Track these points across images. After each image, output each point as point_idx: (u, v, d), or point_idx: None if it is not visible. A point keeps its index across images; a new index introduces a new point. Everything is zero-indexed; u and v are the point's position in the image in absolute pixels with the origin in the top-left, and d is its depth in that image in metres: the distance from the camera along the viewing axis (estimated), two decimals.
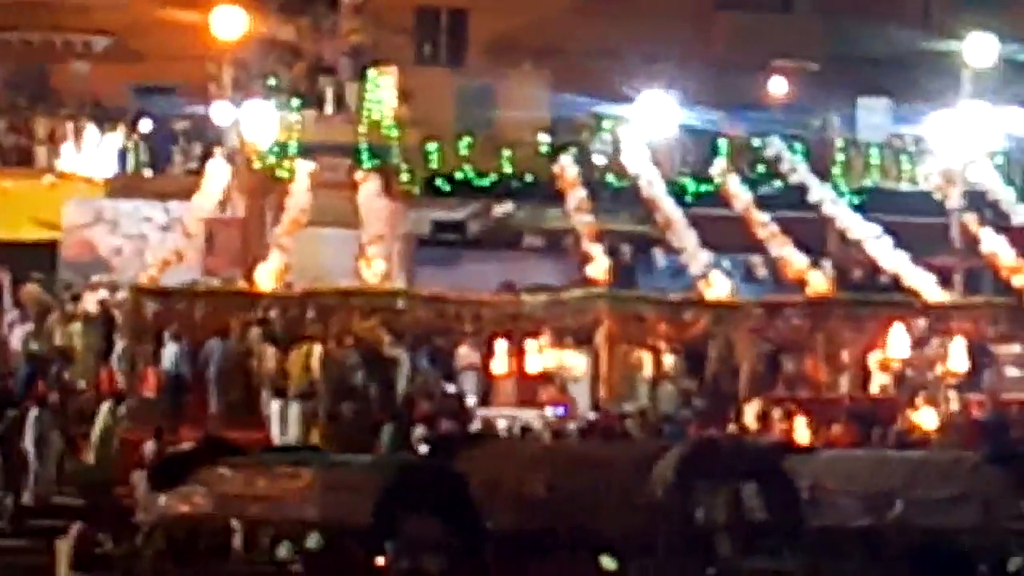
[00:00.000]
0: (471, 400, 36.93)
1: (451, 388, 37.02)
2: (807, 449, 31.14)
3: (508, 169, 46.37)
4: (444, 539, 24.79)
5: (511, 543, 25.13)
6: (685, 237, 41.34)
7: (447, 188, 46.15)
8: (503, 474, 26.25)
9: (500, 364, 37.86)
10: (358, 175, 43.98)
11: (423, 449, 32.05)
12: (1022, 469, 28.83)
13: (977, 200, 42.89)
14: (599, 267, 40.10)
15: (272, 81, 47.15)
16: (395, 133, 45.88)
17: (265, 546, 25.00)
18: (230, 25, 46.23)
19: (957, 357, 37.84)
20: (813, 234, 42.34)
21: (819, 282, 39.63)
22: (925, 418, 34.76)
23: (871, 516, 26.49)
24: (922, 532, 26.56)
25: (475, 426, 34.17)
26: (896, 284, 39.88)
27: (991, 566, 26.68)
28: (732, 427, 34.48)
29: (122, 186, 44.92)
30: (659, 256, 43.34)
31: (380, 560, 23.39)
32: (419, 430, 33.30)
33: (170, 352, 35.72)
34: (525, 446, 31.47)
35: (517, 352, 37.91)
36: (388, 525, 24.00)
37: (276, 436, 32.95)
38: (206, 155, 44.21)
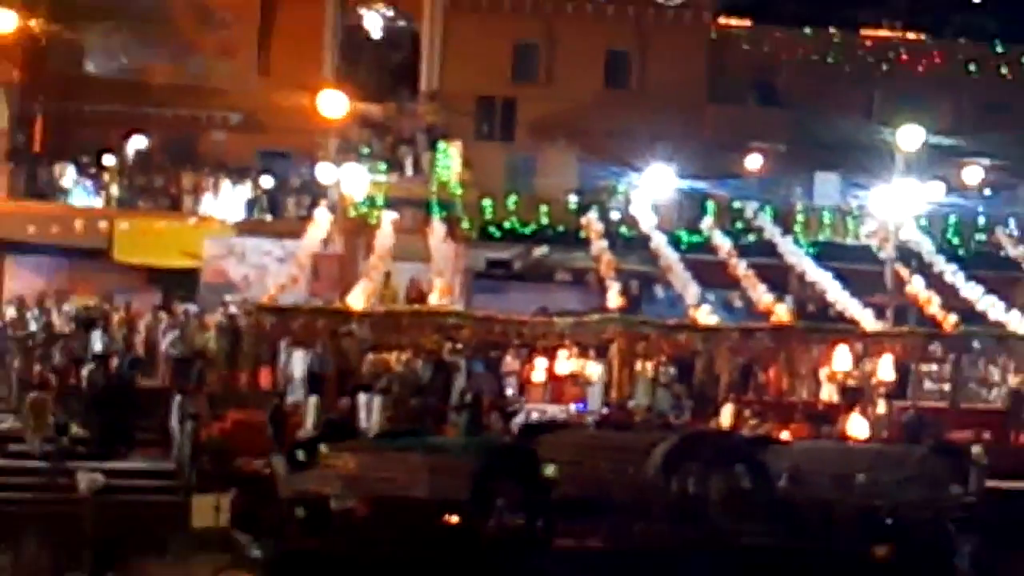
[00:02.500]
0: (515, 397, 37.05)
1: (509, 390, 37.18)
2: (785, 442, 31.23)
3: (544, 221, 46.52)
4: (523, 503, 25.02)
5: (568, 503, 25.43)
6: (680, 276, 41.27)
7: (497, 234, 46.31)
8: (567, 452, 26.61)
9: (537, 371, 37.93)
10: (429, 223, 44.11)
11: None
12: (958, 459, 29.33)
13: (906, 253, 42.77)
14: (613, 297, 40.20)
15: (365, 150, 47.48)
16: (458, 191, 46.02)
17: (379, 517, 25.17)
18: (334, 106, 46.42)
19: (886, 372, 37.81)
20: (778, 276, 42.20)
21: (782, 313, 39.50)
22: (855, 423, 34.76)
23: (838, 492, 26.70)
24: (879, 506, 26.76)
25: (520, 419, 34.19)
26: (841, 316, 39.78)
27: (932, 532, 26.86)
28: (713, 423, 34.55)
29: (248, 227, 45.01)
30: (659, 290, 43.32)
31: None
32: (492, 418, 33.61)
33: (297, 356, 35.72)
34: (575, 431, 31.62)
35: (549, 361, 38.02)
36: (483, 499, 24.27)
37: (362, 420, 32.85)
38: (313, 205, 44.16)
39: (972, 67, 54.75)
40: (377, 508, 25.04)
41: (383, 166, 47.05)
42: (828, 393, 37.42)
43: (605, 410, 35.79)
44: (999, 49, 55.12)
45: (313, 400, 33.39)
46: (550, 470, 25.20)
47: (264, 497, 26.92)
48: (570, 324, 38.95)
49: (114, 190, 46.45)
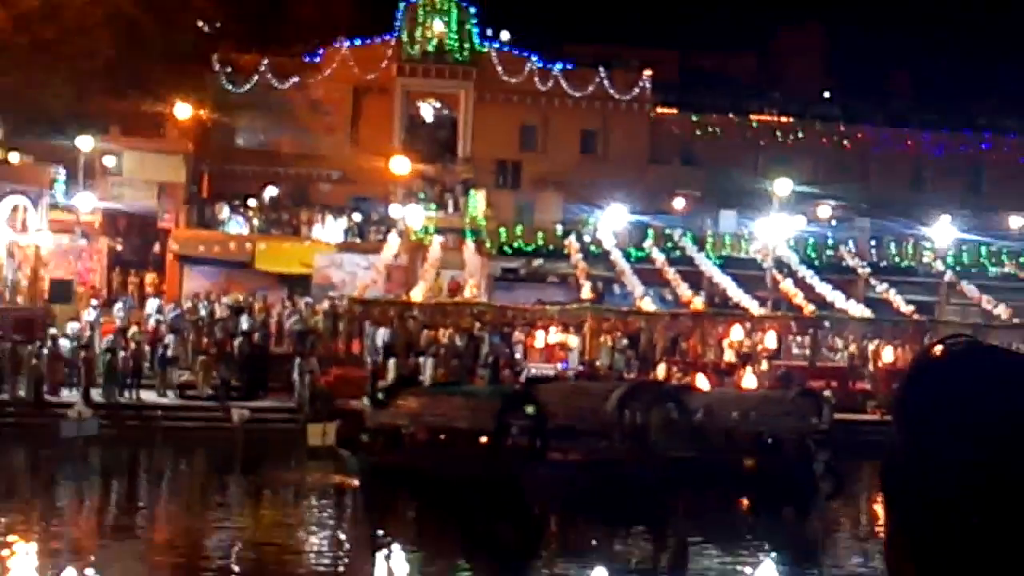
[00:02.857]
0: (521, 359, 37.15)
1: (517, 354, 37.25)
2: (700, 388, 31.23)
3: (540, 242, 46.41)
4: (528, 429, 24.95)
5: (557, 430, 25.29)
6: (630, 279, 41.40)
7: (509, 251, 46.22)
8: (557, 396, 26.53)
9: (536, 341, 37.94)
10: (464, 243, 44.21)
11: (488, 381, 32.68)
12: (815, 400, 29.30)
13: (780, 263, 42.76)
14: (586, 292, 40.28)
15: (421, 195, 47.54)
16: (483, 223, 46.02)
17: (434, 439, 25.18)
18: (401, 166, 46.65)
19: (768, 342, 37.77)
20: (695, 279, 42.22)
21: (698, 303, 39.52)
22: (747, 377, 34.80)
23: (736, 422, 26.67)
24: (763, 431, 26.76)
25: (525, 374, 34.19)
26: (737, 305, 39.75)
27: (799, 448, 26.81)
28: (652, 376, 34.48)
29: (344, 247, 44.97)
30: (616, 288, 43.34)
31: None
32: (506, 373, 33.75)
33: (378, 332, 35.54)
34: (565, 381, 31.56)
35: (543, 334, 38.05)
36: (503, 427, 24.21)
37: (422, 375, 32.82)
38: (387, 232, 44.28)
39: (824, 140, 54.72)
40: (432, 433, 25.09)
41: (433, 206, 47.09)
42: (728, 356, 37.41)
43: (580, 368, 35.81)
44: (842, 128, 55.11)
45: (392, 361, 33.37)
46: (530, 409, 25.26)
47: (357, 426, 26.91)
48: (557, 310, 39.21)
49: (255, 222, 46.51)
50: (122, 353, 31.80)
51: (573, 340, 37.75)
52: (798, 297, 40.47)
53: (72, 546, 19.68)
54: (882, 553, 1.16)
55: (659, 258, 43.88)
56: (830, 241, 48.36)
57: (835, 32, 63.62)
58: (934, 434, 1.12)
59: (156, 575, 18.41)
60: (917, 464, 1.13)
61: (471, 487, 22.98)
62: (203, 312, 37.36)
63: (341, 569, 19.43)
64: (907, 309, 41.30)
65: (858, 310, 40.33)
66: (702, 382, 33.17)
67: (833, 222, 50.84)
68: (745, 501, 25.29)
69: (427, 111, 53.05)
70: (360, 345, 35.84)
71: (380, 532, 22.02)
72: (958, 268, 46.82)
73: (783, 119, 55.31)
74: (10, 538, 19.84)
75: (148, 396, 31.75)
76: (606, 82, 52.72)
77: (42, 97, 40.72)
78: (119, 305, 37.96)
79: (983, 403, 1.11)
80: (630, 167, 51.08)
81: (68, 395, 30.73)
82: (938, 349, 1.18)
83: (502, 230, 46.51)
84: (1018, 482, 1.08)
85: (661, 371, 34.87)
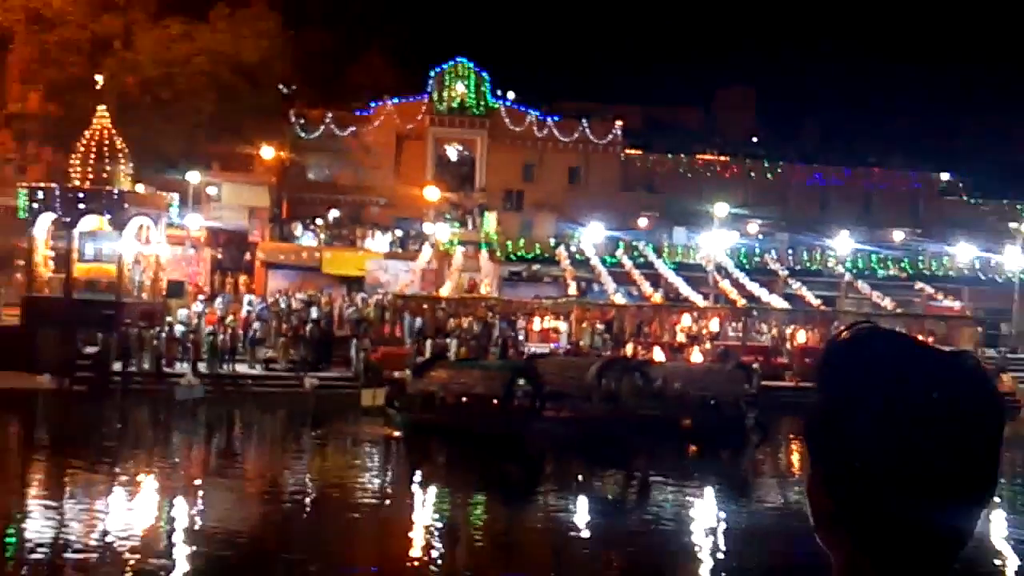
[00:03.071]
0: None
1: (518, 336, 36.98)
2: (659, 362, 31.12)
3: (537, 252, 46.25)
4: (529, 393, 24.89)
5: (550, 394, 25.25)
6: (606, 279, 41.21)
7: (514, 258, 46.00)
8: (550, 368, 26.46)
9: (534, 326, 37.76)
10: (480, 253, 44.03)
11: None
12: (747, 371, 29.16)
13: (720, 268, 42.63)
14: (572, 290, 40.12)
15: (447, 216, 47.26)
16: (495, 237, 45.78)
17: (459, 401, 25.00)
18: (432, 194, 46.42)
19: (712, 327, 37.63)
20: (655, 279, 42.08)
21: (657, 298, 39.41)
22: (695, 354, 34.61)
23: (687, 388, 26.57)
24: (708, 396, 26.67)
25: (526, 351, 33.94)
26: (687, 299, 39.66)
27: (735, 408, 26.72)
28: (622, 353, 34.38)
29: (389, 256, 44.82)
30: (596, 286, 43.03)
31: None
32: (512, 352, 33.49)
33: (417, 320, 35.39)
34: (556, 357, 31.44)
35: (540, 321, 37.86)
36: (510, 391, 24.16)
37: (450, 353, 32.61)
38: (422, 244, 44.18)
39: (752, 173, 54.47)
40: (456, 397, 25.04)
41: (457, 224, 46.76)
42: (680, 338, 37.30)
43: (568, 346, 35.63)
44: (765, 164, 54.90)
45: (428, 343, 33.25)
46: (521, 381, 25.32)
47: (401, 391, 26.91)
48: (550, 303, 38.95)
49: (322, 237, 46.33)
50: (221, 336, 31.79)
51: (562, 326, 37.57)
52: (733, 293, 40.33)
53: (185, 480, 19.71)
54: (803, 488, 1.15)
55: (628, 263, 43.72)
56: (757, 250, 48.01)
57: (761, 91, 64.53)
58: (846, 397, 1.12)
59: (248, 500, 18.42)
60: (833, 421, 1.12)
61: (486, 438, 23.02)
62: (283, 305, 37.27)
63: (388, 498, 19.43)
64: (815, 302, 41.21)
65: (778, 303, 40.21)
66: (660, 357, 33.13)
67: (759, 236, 50.53)
68: (693, 449, 25.26)
69: (452, 152, 52.85)
70: (401, 330, 35.75)
71: (417, 471, 22.01)
72: (854, 270, 46.65)
73: (721, 158, 55.14)
74: (139, 476, 19.95)
75: (241, 368, 31.72)
76: (587, 130, 52.51)
77: (161, 143, 40.94)
78: (219, 300, 37.90)
79: (883, 373, 1.11)
80: (605, 194, 50.85)
81: (181, 368, 30.71)
82: (849, 332, 1.16)
83: (508, 242, 46.22)
84: (908, 432, 1.08)
85: (629, 349, 34.75)
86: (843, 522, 1.10)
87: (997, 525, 16.06)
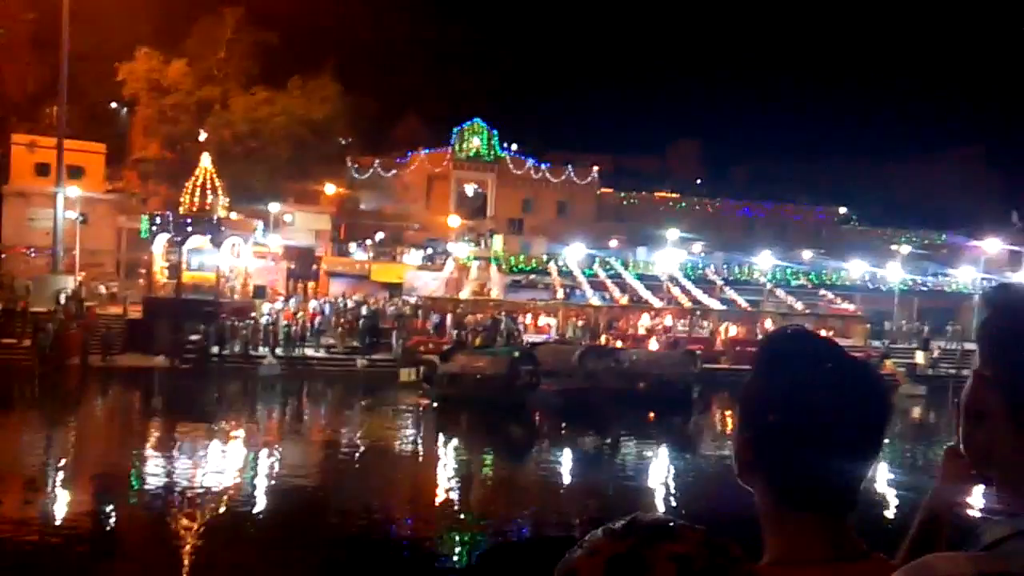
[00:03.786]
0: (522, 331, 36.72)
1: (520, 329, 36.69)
2: (626, 349, 30.91)
3: (534, 265, 46.08)
4: (529, 372, 24.73)
5: (545, 373, 25.11)
6: (585, 287, 41.11)
7: (516, 271, 45.77)
8: (544, 353, 26.33)
9: (531, 322, 37.61)
10: (490, 266, 43.88)
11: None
12: (692, 355, 28.86)
13: (671, 278, 42.51)
14: (559, 295, 40.00)
15: (465, 238, 47.07)
16: (502, 254, 45.53)
17: (475, 380, 24.29)
18: (454, 221, 46.26)
19: (666, 322, 37.45)
20: (622, 287, 41.94)
21: (624, 300, 39.31)
22: (652, 343, 34.39)
23: (647, 369, 26.48)
24: (663, 374, 26.53)
25: (527, 340, 33.62)
26: (646, 301, 39.52)
27: (684, 384, 26.43)
28: (598, 342, 34.17)
29: (421, 268, 44.75)
30: (577, 292, 42.88)
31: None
32: (515, 341, 33.00)
33: (445, 317, 35.08)
34: (548, 344, 31.21)
35: (534, 318, 37.72)
36: (514, 372, 24.00)
37: (468, 342, 32.34)
38: (446, 259, 44.08)
39: (697, 207, 54.42)
40: (474, 376, 24.95)
41: (473, 244, 46.52)
42: (641, 331, 37.19)
43: (557, 337, 35.49)
44: (707, 201, 54.93)
45: (455, 332, 33.05)
46: (516, 356, 24.76)
47: (432, 370, 26.84)
48: (543, 304, 38.70)
49: (371, 253, 46.23)
50: (294, 327, 31.73)
51: (552, 321, 37.37)
52: (682, 297, 40.18)
53: (266, 439, 19.72)
54: (732, 445, 1.17)
55: (602, 274, 43.49)
56: (700, 265, 47.74)
57: (704, 143, 64.46)
58: (772, 376, 1.14)
59: (313, 450, 18.46)
60: (761, 392, 1.14)
61: (496, 406, 22.98)
62: (340, 304, 37.08)
63: (420, 452, 19.44)
64: (744, 304, 41.03)
65: (716, 305, 40.07)
66: (626, 345, 33.05)
67: (702, 254, 50.24)
68: (651, 414, 25.22)
69: (469, 190, 52.79)
70: (430, 324, 35.69)
71: (443, 431, 22.01)
72: (773, 280, 46.44)
73: (673, 195, 55.22)
74: (231, 434, 19.93)
75: (309, 352, 31.61)
76: (571, 174, 52.53)
77: (249, 181, 41.16)
78: (292, 300, 37.64)
79: (803, 360, 1.14)
80: (585, 223, 50.77)
81: (263, 351, 30.69)
82: (781, 331, 1.19)
83: (512, 258, 45.97)
84: (814, 404, 1.10)
85: (603, 339, 34.67)
86: (758, 468, 1.13)
87: (883, 474, 16.06)
